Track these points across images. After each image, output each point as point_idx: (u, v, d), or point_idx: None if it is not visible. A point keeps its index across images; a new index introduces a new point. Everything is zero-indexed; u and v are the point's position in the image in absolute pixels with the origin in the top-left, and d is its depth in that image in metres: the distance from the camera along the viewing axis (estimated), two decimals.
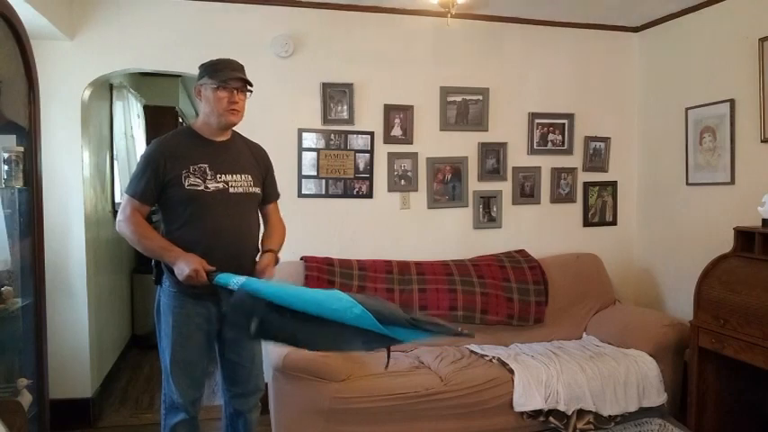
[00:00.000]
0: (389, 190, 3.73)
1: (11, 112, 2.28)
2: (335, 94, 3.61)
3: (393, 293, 3.37)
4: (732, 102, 3.30)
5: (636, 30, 4.06)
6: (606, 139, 4.07)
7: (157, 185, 2.14)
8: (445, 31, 3.50)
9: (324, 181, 3.62)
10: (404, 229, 3.76)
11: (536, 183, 3.97)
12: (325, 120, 3.60)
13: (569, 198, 4.04)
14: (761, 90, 3.10)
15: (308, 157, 3.60)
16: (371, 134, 3.67)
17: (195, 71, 2.28)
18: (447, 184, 3.82)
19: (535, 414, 2.93)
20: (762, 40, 3.08)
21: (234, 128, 2.32)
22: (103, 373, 3.74)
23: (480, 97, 3.82)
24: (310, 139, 3.60)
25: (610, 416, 3.01)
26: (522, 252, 3.80)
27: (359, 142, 3.66)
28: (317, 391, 2.75)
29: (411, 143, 3.74)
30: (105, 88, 4.18)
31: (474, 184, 3.86)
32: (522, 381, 2.93)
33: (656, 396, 3.07)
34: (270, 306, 1.91)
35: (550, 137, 3.98)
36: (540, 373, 2.98)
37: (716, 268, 2.93)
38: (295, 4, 3.51)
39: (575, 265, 3.80)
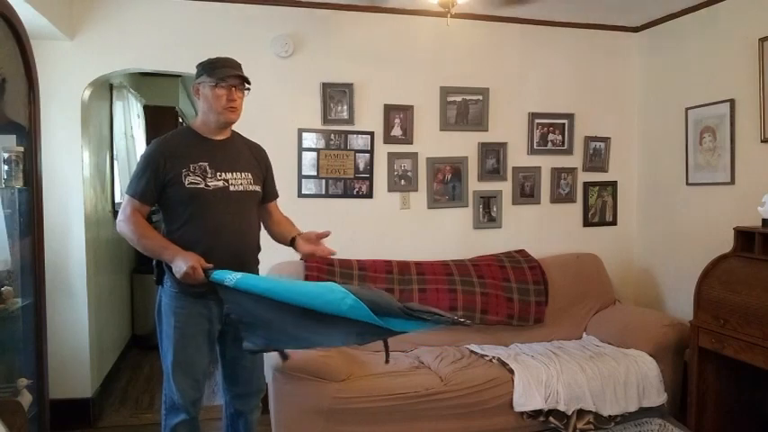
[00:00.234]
0: (389, 190, 3.73)
1: (11, 112, 2.28)
2: (335, 94, 3.61)
3: (393, 293, 3.37)
4: (732, 102, 3.30)
5: (636, 30, 4.06)
6: (606, 139, 4.07)
7: (157, 185, 2.14)
8: (445, 31, 3.50)
9: (324, 181, 3.62)
10: (404, 229, 3.76)
11: (536, 183, 3.97)
12: (325, 120, 3.60)
13: (569, 198, 4.04)
14: (761, 90, 3.10)
15: (308, 157, 3.60)
16: (371, 134, 3.67)
17: (195, 71, 2.28)
18: (447, 184, 3.82)
19: (535, 414, 2.92)
20: (762, 40, 3.08)
21: (233, 127, 2.32)
22: (103, 373, 3.74)
23: (480, 97, 3.82)
24: (310, 139, 3.60)
25: (610, 416, 3.01)
26: (522, 252, 3.80)
27: (359, 142, 3.66)
28: (316, 391, 2.75)
29: (411, 143, 3.74)
30: (105, 88, 4.18)
31: (474, 184, 3.86)
32: (522, 381, 2.93)
33: (656, 396, 3.07)
34: (263, 306, 1.92)
35: (550, 137, 3.98)
36: (540, 373, 2.98)
37: (716, 268, 2.93)
38: (295, 4, 3.51)
39: (575, 265, 3.80)
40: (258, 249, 2.33)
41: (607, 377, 3.01)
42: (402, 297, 3.38)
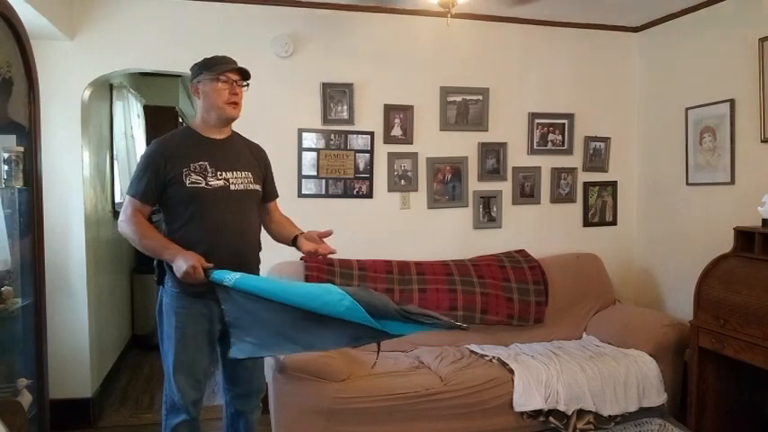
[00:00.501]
0: (389, 190, 3.74)
1: (11, 112, 2.28)
2: (335, 94, 3.61)
3: (393, 293, 3.37)
4: (732, 102, 3.30)
5: (636, 30, 4.06)
6: (606, 139, 4.07)
7: (158, 185, 2.14)
8: (445, 31, 3.49)
9: (324, 181, 3.62)
10: (404, 229, 3.76)
11: (536, 183, 3.97)
12: (325, 120, 3.60)
13: (569, 198, 4.04)
14: (761, 90, 3.10)
15: (308, 157, 3.60)
16: (371, 134, 3.67)
17: None
18: (447, 184, 3.82)
19: (535, 414, 2.93)
20: (762, 40, 3.08)
21: (234, 127, 2.32)
22: (103, 373, 3.74)
23: (480, 97, 3.82)
24: (310, 139, 3.60)
25: (610, 416, 3.01)
26: (522, 252, 3.80)
27: (359, 142, 3.66)
28: (316, 391, 2.75)
29: (411, 143, 3.74)
30: (105, 88, 4.18)
31: (474, 184, 3.86)
32: (522, 381, 2.93)
33: (656, 396, 3.07)
34: (261, 306, 1.93)
35: (550, 137, 3.98)
36: (540, 373, 2.98)
37: (716, 268, 2.93)
38: (295, 4, 3.51)
39: (575, 265, 3.80)
40: (259, 248, 2.33)
41: (607, 377, 3.01)
42: (402, 297, 3.38)
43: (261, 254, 2.35)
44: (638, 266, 4.12)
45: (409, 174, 3.76)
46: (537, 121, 3.94)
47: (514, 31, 3.86)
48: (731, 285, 2.82)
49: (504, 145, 3.89)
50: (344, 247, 3.47)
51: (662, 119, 3.88)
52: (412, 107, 3.73)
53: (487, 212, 3.90)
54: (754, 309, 2.66)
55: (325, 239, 2.27)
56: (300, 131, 3.58)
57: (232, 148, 2.28)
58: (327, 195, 3.63)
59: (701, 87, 3.52)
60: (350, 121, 3.63)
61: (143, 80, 5.16)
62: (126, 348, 4.63)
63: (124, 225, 2.13)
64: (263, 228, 2.41)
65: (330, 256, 2.23)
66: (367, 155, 3.67)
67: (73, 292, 3.29)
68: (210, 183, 2.16)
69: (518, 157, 3.93)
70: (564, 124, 3.99)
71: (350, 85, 3.61)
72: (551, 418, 2.94)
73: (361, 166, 3.67)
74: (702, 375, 2.97)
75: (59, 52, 3.19)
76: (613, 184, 4.12)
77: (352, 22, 3.60)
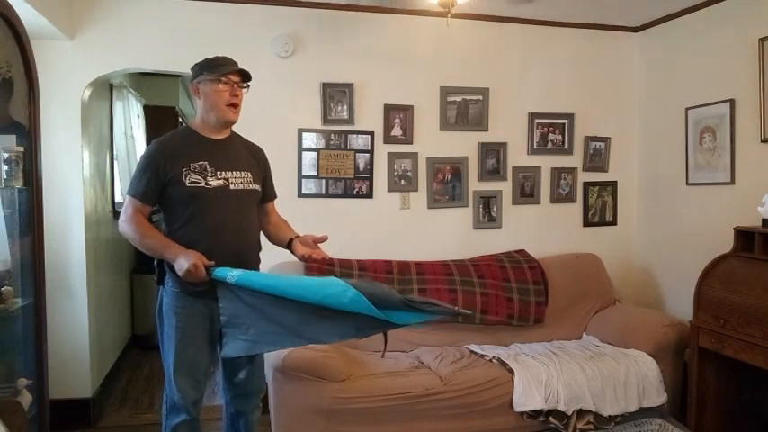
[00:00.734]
0: (389, 190, 3.74)
1: (11, 112, 2.28)
2: (335, 94, 3.61)
3: None
4: (732, 102, 3.30)
5: (636, 30, 4.06)
6: (606, 139, 4.07)
7: (158, 185, 2.14)
8: (445, 31, 3.49)
9: (324, 181, 3.62)
10: (404, 229, 3.76)
11: (536, 183, 3.97)
12: (325, 120, 3.60)
13: (569, 198, 4.05)
14: (761, 90, 3.10)
15: (308, 157, 3.60)
16: (371, 134, 3.67)
17: None
18: (447, 184, 3.82)
19: (535, 414, 2.93)
20: (762, 40, 3.08)
21: (234, 127, 2.32)
22: (103, 373, 3.74)
23: (480, 97, 3.83)
24: (310, 139, 3.60)
25: (610, 416, 3.01)
26: (522, 252, 3.80)
27: (359, 142, 3.66)
28: (316, 391, 2.75)
29: (411, 143, 3.74)
30: (105, 88, 4.18)
31: (474, 184, 3.86)
32: (522, 381, 2.93)
33: (656, 396, 3.07)
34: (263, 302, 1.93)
35: (550, 137, 3.98)
36: (540, 373, 2.98)
37: (716, 268, 2.93)
38: (295, 4, 3.51)
39: (575, 265, 3.80)
40: (259, 248, 2.33)
41: (607, 377, 3.01)
42: None
43: (260, 254, 2.35)
44: (638, 266, 4.12)
45: (409, 174, 3.76)
46: (537, 121, 3.94)
47: (514, 31, 3.86)
48: (731, 285, 2.82)
49: (504, 145, 3.89)
50: (344, 247, 3.53)
51: (662, 119, 3.88)
52: (412, 107, 3.73)
53: (487, 212, 3.90)
54: (754, 309, 2.66)
55: (320, 245, 2.27)
56: (300, 131, 3.58)
57: (231, 148, 2.28)
58: (327, 195, 3.63)
59: (701, 87, 3.52)
60: (350, 121, 3.63)
61: (143, 80, 5.16)
62: (126, 348, 4.63)
63: (125, 225, 2.13)
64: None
65: (330, 256, 2.23)
66: (367, 155, 3.67)
67: (73, 292, 3.29)
68: (210, 182, 2.16)
69: (518, 157, 3.93)
70: (564, 124, 3.99)
71: (350, 85, 3.61)
72: (551, 418, 2.94)
73: (361, 166, 3.67)
74: (702, 375, 2.97)
75: (59, 52, 3.19)
76: (613, 184, 4.12)
77: (352, 22, 3.60)
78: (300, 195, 3.59)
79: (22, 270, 2.36)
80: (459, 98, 3.79)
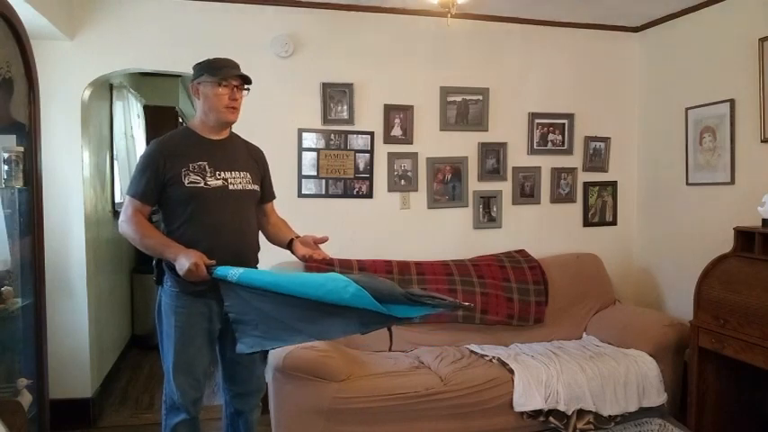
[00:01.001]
0: (389, 190, 3.74)
1: (11, 112, 2.28)
2: (335, 94, 3.61)
3: None
4: (732, 102, 3.30)
5: (636, 30, 4.06)
6: (606, 139, 4.07)
7: (158, 185, 2.14)
8: (445, 31, 3.49)
9: (324, 181, 3.62)
10: (404, 229, 3.76)
11: (536, 183, 3.97)
12: (325, 120, 3.60)
13: (569, 198, 4.05)
14: (761, 90, 3.10)
15: (308, 157, 3.60)
16: (371, 134, 3.67)
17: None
18: (447, 184, 3.82)
19: (535, 414, 2.92)
20: (762, 40, 3.08)
21: (234, 128, 2.32)
22: (103, 373, 3.74)
23: (480, 97, 3.82)
24: (310, 139, 3.60)
25: (610, 416, 3.01)
26: (522, 252, 3.80)
27: (359, 142, 3.66)
28: (316, 391, 2.75)
29: (411, 143, 3.74)
30: (105, 88, 4.18)
31: (474, 184, 3.86)
32: (522, 381, 2.93)
33: (656, 396, 3.07)
34: (266, 300, 1.93)
35: (550, 137, 3.98)
36: (540, 373, 2.98)
37: (716, 268, 2.93)
38: (295, 4, 3.51)
39: (575, 265, 3.80)
40: (258, 248, 2.34)
41: (607, 377, 3.01)
42: None
43: (259, 254, 2.35)
44: (638, 266, 4.12)
45: (409, 174, 3.76)
46: (537, 121, 3.94)
47: (515, 30, 3.86)
48: (731, 285, 2.82)
49: (504, 145, 3.89)
50: (344, 247, 3.53)
51: (662, 119, 3.88)
52: (412, 107, 3.73)
53: (487, 212, 3.90)
54: (754, 309, 2.66)
55: (320, 245, 2.27)
56: (300, 131, 3.58)
57: (231, 148, 2.29)
58: (327, 195, 3.63)
59: (701, 87, 3.52)
60: (350, 121, 3.63)
61: (143, 80, 5.17)
62: (126, 348, 4.63)
63: (125, 225, 2.13)
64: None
65: (330, 256, 2.24)
66: (367, 155, 3.67)
67: (73, 292, 3.29)
68: (209, 183, 2.16)
69: (518, 157, 3.93)
70: (564, 124, 3.99)
71: (350, 85, 3.61)
72: (551, 418, 2.93)
73: (361, 166, 3.67)
74: (702, 375, 2.97)
75: (59, 52, 3.19)
76: (613, 184, 4.12)
77: (352, 22, 3.60)
78: (300, 195, 3.59)
79: (22, 270, 2.36)
80: (459, 98, 3.79)
